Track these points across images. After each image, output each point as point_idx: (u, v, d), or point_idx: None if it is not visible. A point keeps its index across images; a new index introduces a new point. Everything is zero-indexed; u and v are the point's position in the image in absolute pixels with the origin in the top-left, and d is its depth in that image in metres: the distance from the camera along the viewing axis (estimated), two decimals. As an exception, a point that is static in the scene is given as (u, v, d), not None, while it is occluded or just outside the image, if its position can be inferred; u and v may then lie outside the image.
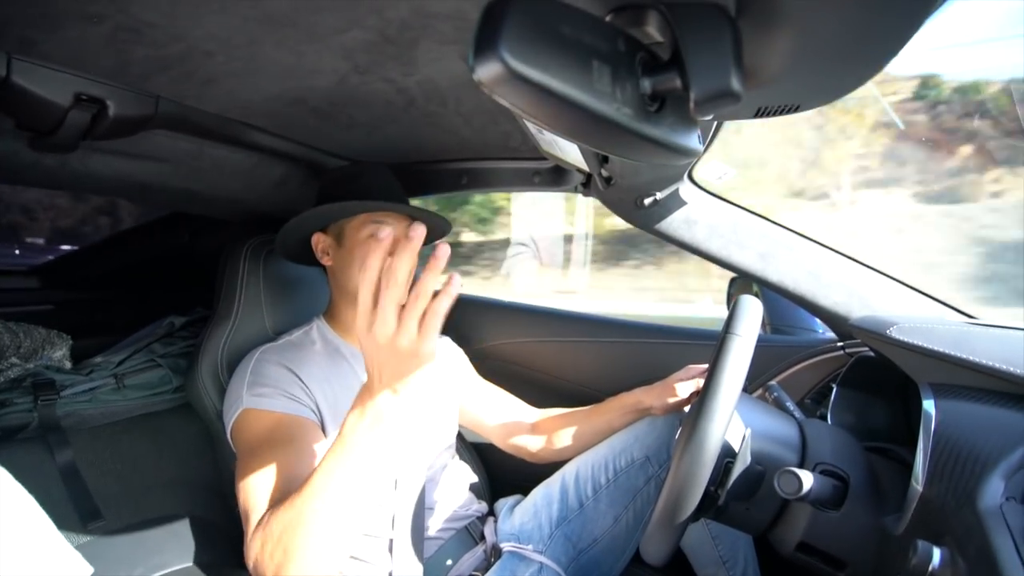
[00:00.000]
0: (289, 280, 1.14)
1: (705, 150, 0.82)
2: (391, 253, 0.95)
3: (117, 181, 0.91)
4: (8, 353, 1.04)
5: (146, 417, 1.11)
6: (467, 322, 1.43)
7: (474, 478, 1.14)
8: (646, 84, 0.30)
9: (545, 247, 3.86)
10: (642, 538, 0.66)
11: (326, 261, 0.98)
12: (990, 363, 0.59)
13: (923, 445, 0.56)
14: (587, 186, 1.06)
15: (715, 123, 0.73)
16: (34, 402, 0.98)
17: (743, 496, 0.66)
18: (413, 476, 0.96)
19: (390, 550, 0.90)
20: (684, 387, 0.97)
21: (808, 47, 0.31)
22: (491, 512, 1.10)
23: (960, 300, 0.88)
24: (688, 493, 0.60)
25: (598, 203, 1.07)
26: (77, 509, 0.94)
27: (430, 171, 1.19)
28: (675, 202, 0.98)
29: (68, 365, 1.12)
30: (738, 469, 0.65)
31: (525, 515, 1.01)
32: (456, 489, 1.06)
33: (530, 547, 0.95)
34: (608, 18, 0.34)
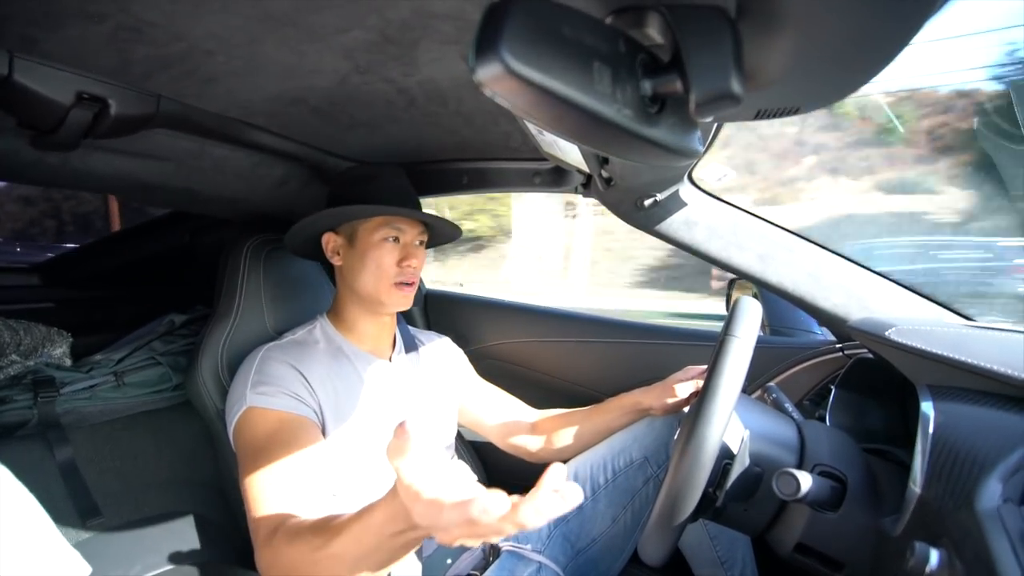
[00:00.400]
0: (289, 279, 1.14)
1: (705, 152, 0.82)
2: (403, 257, 0.95)
3: (118, 180, 0.91)
4: (8, 350, 1.04)
5: (146, 415, 1.11)
6: (467, 322, 1.43)
7: (473, 477, 1.14)
8: (646, 86, 0.30)
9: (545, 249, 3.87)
10: (640, 538, 0.66)
11: (336, 261, 0.98)
12: (988, 365, 0.59)
13: (921, 447, 0.56)
14: (587, 187, 1.06)
15: (715, 125, 0.73)
16: (34, 399, 0.98)
17: (741, 497, 0.66)
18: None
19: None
20: (683, 388, 0.97)
21: (808, 49, 0.31)
22: (490, 512, 1.10)
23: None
24: (686, 494, 0.61)
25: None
26: (76, 506, 0.94)
27: (431, 171, 1.20)
28: (675, 203, 0.98)
29: (68, 362, 1.12)
30: (736, 470, 0.65)
31: (524, 515, 1.01)
32: (455, 489, 1.06)
33: (528, 547, 0.95)
34: (609, 20, 0.34)
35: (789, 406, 0.81)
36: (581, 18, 0.27)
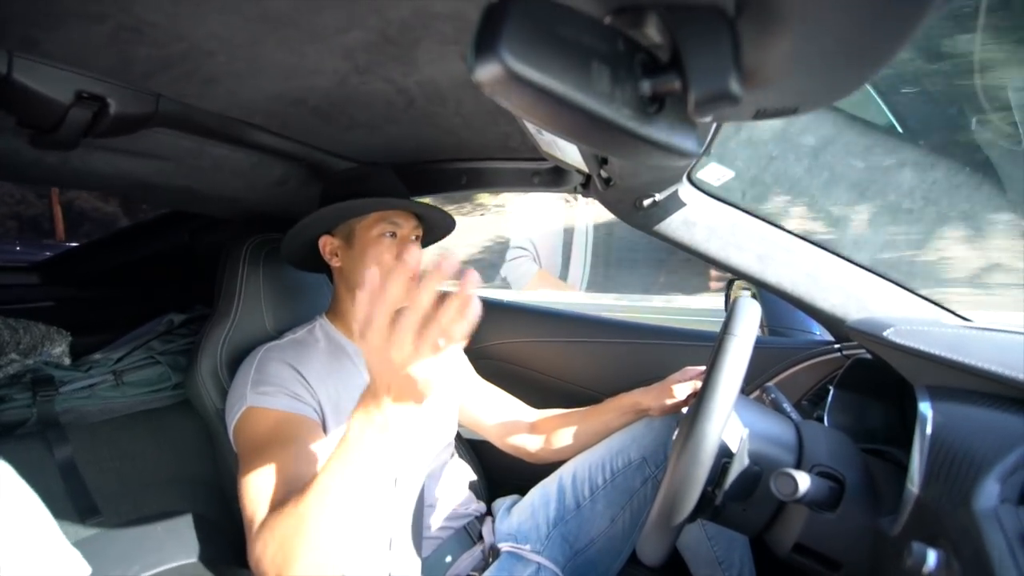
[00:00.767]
0: (289, 279, 1.14)
1: (704, 152, 0.83)
2: (401, 251, 0.96)
3: (118, 179, 0.92)
4: (7, 349, 1.05)
5: (145, 414, 1.11)
6: None
7: (473, 476, 1.14)
8: (645, 85, 0.30)
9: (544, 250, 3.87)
10: (639, 539, 0.66)
11: (335, 263, 0.98)
12: (986, 366, 0.59)
13: (919, 447, 0.57)
14: (586, 187, 1.06)
15: (714, 125, 0.73)
16: (33, 398, 0.98)
17: (739, 497, 0.67)
18: (413, 474, 0.96)
19: (389, 548, 0.90)
20: (682, 388, 0.98)
21: (807, 49, 0.31)
22: (489, 512, 1.10)
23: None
24: (685, 494, 0.61)
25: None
26: (75, 505, 0.94)
27: (430, 171, 1.20)
28: (674, 203, 0.98)
29: (67, 361, 1.12)
30: (735, 470, 0.65)
31: (523, 515, 1.01)
32: (455, 487, 1.07)
33: (528, 547, 0.95)
34: (608, 20, 0.34)
35: (787, 406, 0.81)
36: (580, 18, 0.27)
